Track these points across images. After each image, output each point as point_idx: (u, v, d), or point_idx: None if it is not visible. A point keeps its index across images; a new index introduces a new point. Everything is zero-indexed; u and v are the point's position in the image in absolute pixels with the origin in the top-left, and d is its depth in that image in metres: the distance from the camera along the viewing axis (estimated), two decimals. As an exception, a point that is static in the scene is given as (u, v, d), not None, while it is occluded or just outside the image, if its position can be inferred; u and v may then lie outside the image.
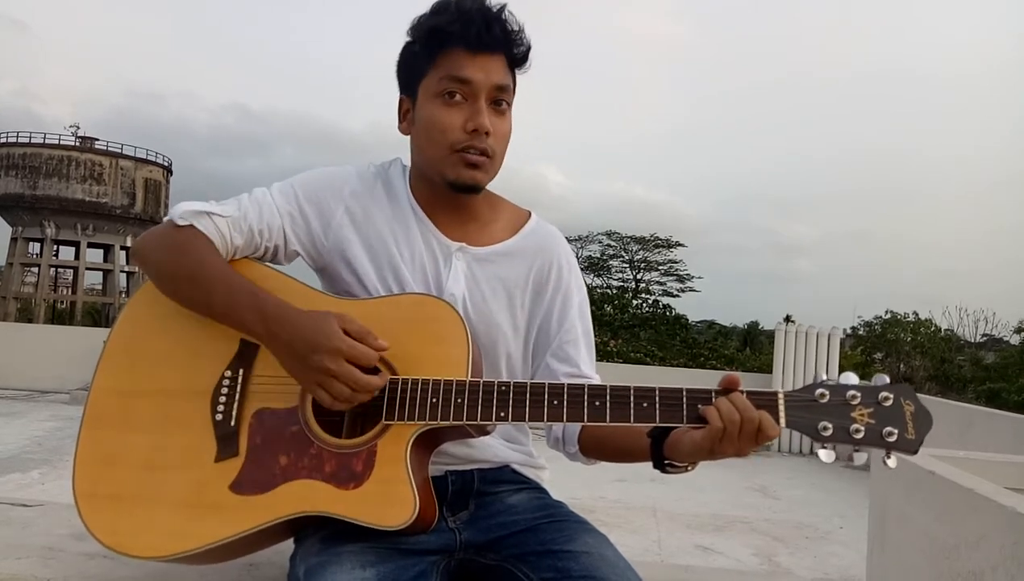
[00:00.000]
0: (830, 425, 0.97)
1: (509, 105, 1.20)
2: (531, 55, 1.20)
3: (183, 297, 1.14)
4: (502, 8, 1.15)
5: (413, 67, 1.20)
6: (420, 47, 1.17)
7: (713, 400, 1.00)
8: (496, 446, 1.25)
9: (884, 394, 0.97)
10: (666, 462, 1.07)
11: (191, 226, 1.13)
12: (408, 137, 1.25)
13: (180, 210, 1.14)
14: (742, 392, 1.00)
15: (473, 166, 1.16)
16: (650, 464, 1.09)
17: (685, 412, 1.00)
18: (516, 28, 1.17)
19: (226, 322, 1.11)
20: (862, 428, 0.96)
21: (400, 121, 1.25)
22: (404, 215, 1.23)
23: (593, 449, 1.21)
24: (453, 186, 1.17)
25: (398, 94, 1.24)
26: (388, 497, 1.01)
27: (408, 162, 1.29)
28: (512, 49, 1.17)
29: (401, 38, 1.22)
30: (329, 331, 1.03)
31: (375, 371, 1.05)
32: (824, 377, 1.01)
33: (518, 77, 1.22)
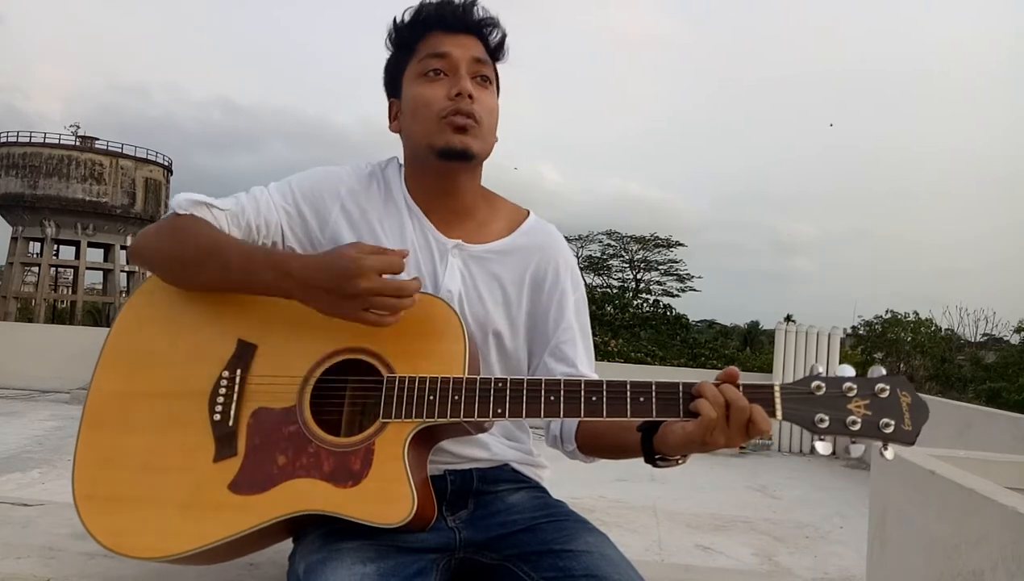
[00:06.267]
0: (826, 417, 0.97)
1: (491, 82, 1.24)
2: (507, 44, 1.26)
3: (194, 276, 1.14)
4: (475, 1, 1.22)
5: (395, 66, 1.25)
6: (400, 42, 1.24)
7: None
8: (495, 445, 1.25)
9: (880, 386, 0.97)
10: (657, 456, 1.07)
11: (191, 214, 1.14)
12: (400, 137, 1.27)
13: (180, 200, 1.15)
14: (738, 386, 0.99)
15: (461, 130, 1.17)
16: (650, 464, 1.09)
17: (682, 406, 1.00)
18: (490, 15, 1.23)
19: (246, 288, 1.11)
20: (859, 420, 0.96)
21: (391, 122, 1.28)
22: (399, 213, 1.24)
23: (590, 446, 1.21)
24: (443, 154, 1.18)
25: (387, 101, 1.29)
26: (386, 495, 1.01)
27: (403, 161, 1.30)
28: (487, 34, 1.23)
29: (386, 32, 1.25)
30: (352, 256, 1.03)
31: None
32: (820, 370, 1.00)
33: (500, 70, 1.27)
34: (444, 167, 1.20)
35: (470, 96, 1.18)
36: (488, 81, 1.23)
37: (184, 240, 1.13)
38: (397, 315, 1.04)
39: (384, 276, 1.03)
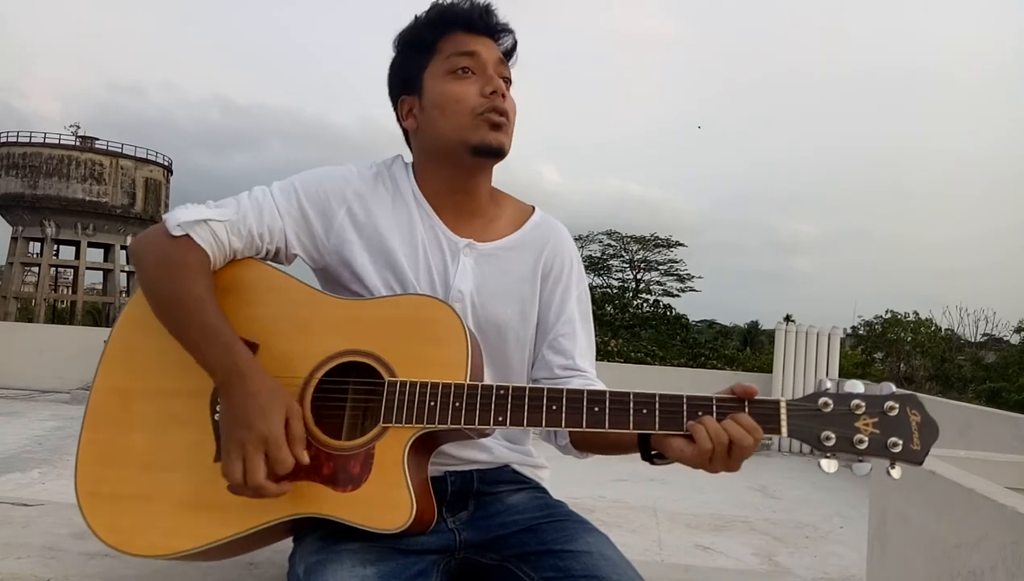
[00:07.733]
0: (833, 435, 0.94)
1: (511, 84, 1.26)
2: (518, 50, 1.28)
3: (161, 319, 1.11)
4: (490, 4, 1.25)
5: (411, 65, 1.24)
6: (419, 41, 1.24)
7: (714, 411, 0.97)
8: (495, 446, 1.24)
9: (889, 403, 0.94)
10: (654, 453, 1.06)
11: (186, 237, 1.10)
12: (412, 134, 1.27)
13: (177, 218, 1.11)
14: (746, 405, 0.97)
15: (496, 128, 1.19)
16: (647, 462, 1.09)
17: (685, 420, 0.98)
18: (506, 22, 1.26)
19: (194, 356, 1.07)
20: (866, 438, 0.93)
21: (403, 120, 1.27)
22: (409, 212, 1.23)
23: (583, 442, 1.20)
24: (478, 150, 1.19)
25: (393, 104, 1.28)
26: (385, 500, 1.01)
27: (409, 160, 1.29)
28: (503, 40, 1.26)
29: (387, 32, 1.27)
30: (270, 416, 1.00)
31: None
32: (828, 384, 0.98)
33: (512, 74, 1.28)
34: (473, 163, 1.21)
35: (503, 95, 1.20)
36: (510, 83, 1.26)
37: (162, 279, 1.09)
38: (233, 485, 1.00)
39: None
